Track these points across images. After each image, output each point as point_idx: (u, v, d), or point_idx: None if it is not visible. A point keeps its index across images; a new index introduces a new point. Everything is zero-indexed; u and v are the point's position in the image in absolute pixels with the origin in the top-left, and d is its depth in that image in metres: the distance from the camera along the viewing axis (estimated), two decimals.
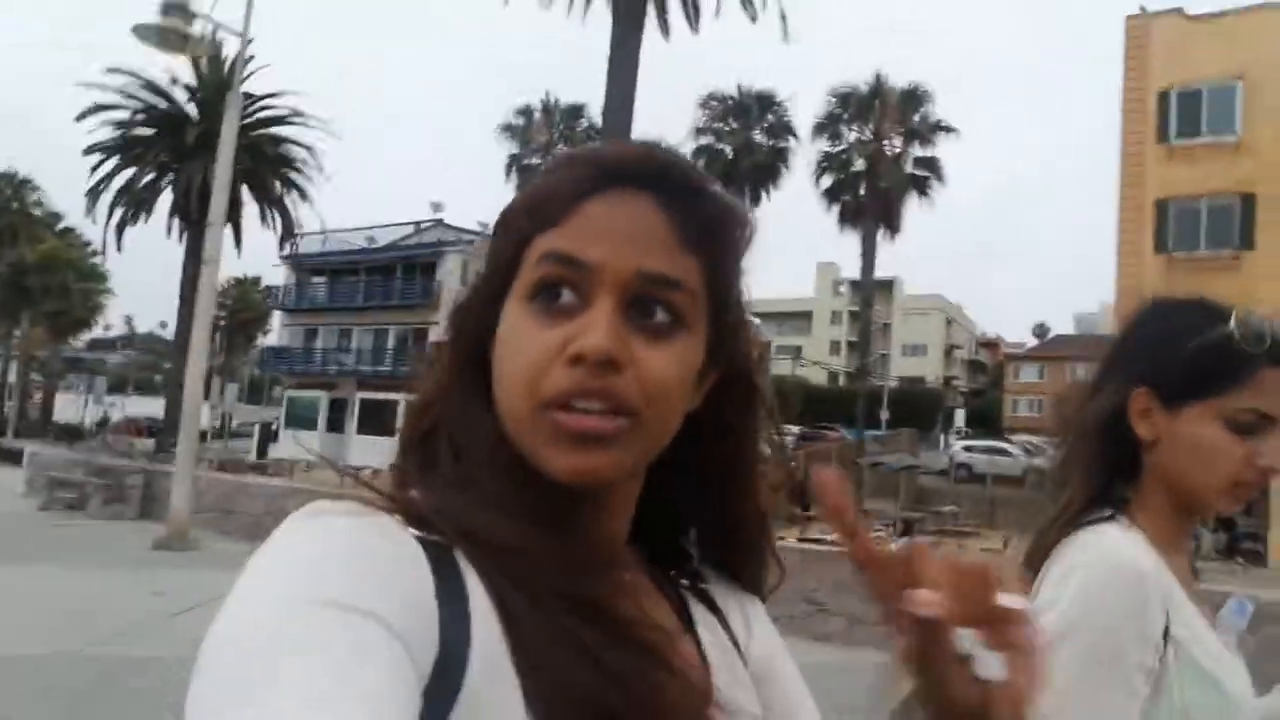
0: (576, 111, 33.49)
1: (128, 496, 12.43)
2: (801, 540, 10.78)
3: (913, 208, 29.76)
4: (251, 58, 23.52)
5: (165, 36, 9.33)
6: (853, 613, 7.49)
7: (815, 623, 7.62)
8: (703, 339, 0.61)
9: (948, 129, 29.63)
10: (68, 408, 38.01)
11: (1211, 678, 1.03)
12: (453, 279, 39.51)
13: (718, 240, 0.62)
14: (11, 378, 37.95)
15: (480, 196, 38.75)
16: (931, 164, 29.82)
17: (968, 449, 36.96)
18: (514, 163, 35.18)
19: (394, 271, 41.71)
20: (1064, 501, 1.13)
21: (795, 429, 32.02)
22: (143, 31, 9.35)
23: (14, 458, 16.76)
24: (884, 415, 46.85)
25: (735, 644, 0.69)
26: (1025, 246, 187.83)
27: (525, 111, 35.24)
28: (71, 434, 27.54)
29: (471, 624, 0.51)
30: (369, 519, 0.52)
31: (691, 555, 0.72)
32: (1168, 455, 1.11)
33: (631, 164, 0.60)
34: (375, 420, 27.16)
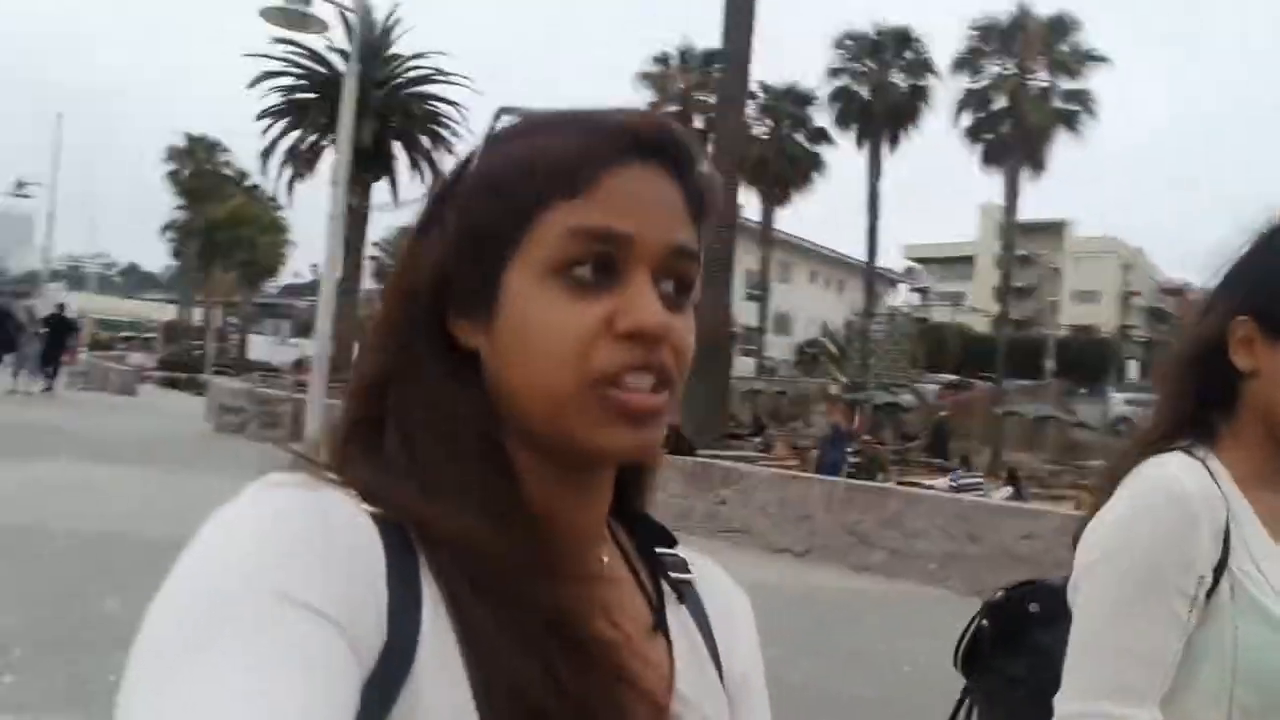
0: (712, 57, 33.39)
1: (280, 421, 14.24)
2: (951, 488, 11.05)
3: (1062, 144, 28.16)
4: (396, 22, 25.21)
5: (288, 17, 10.58)
6: (894, 547, 7.91)
7: (857, 553, 8.10)
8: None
9: (1098, 59, 27.71)
10: (261, 348, 42.28)
11: (1273, 618, 1.00)
12: None
13: (708, 214, 0.61)
14: (210, 322, 42.56)
15: None
16: (1081, 97, 27.99)
17: (1128, 401, 34.94)
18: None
19: None
20: (1146, 429, 1.11)
21: (946, 377, 31.43)
22: (269, 14, 10.61)
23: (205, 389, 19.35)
24: (1049, 364, 44.76)
25: (715, 651, 0.68)
26: (1220, 182, 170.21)
27: (662, 59, 35.51)
28: (242, 369, 30.81)
29: (422, 613, 0.50)
30: (324, 493, 0.51)
31: (667, 532, 0.69)
32: (1266, 388, 1.04)
33: (652, 135, 0.58)
34: None
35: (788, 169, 31.74)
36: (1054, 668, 1.06)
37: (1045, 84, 27.79)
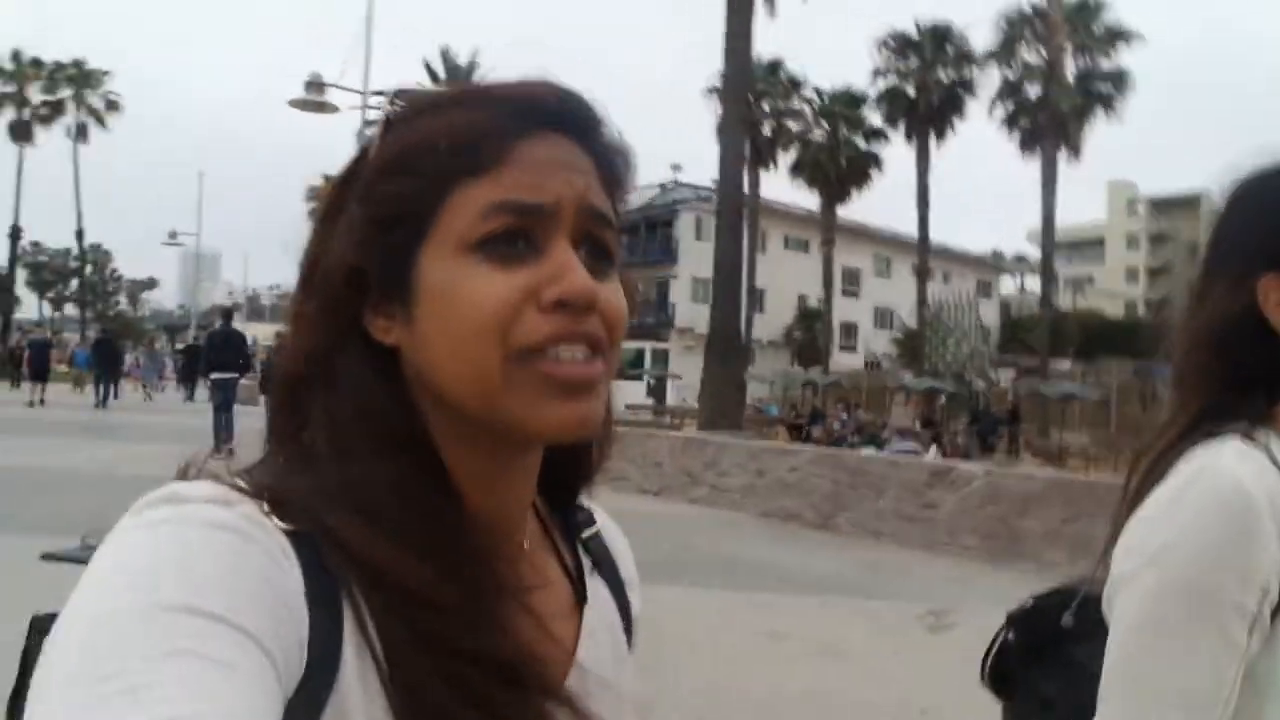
0: (774, 67, 35.34)
1: None
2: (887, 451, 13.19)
3: (1100, 125, 28.60)
4: (476, 65, 28.53)
5: (308, 104, 14.10)
6: (712, 483, 10.27)
7: (690, 490, 10.51)
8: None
9: (1128, 36, 27.83)
10: None
11: None
12: (689, 234, 43.42)
13: (621, 179, 0.61)
14: None
15: (696, 156, 41.15)
16: (1114, 77, 28.19)
17: None
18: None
19: (638, 231, 46.32)
20: (1171, 416, 0.94)
21: (1021, 360, 32.13)
22: (296, 103, 14.16)
23: None
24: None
25: (624, 601, 0.70)
26: None
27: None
28: None
29: (343, 634, 0.49)
30: (234, 509, 0.48)
31: (583, 503, 0.70)
32: None
33: (554, 105, 0.57)
34: None
35: (843, 169, 33.29)
36: (1091, 687, 0.90)
37: (1077, 68, 28.27)
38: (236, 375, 12.44)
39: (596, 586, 0.68)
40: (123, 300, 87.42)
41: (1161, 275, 64.85)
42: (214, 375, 12.44)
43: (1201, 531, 0.82)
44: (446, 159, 0.55)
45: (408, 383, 0.57)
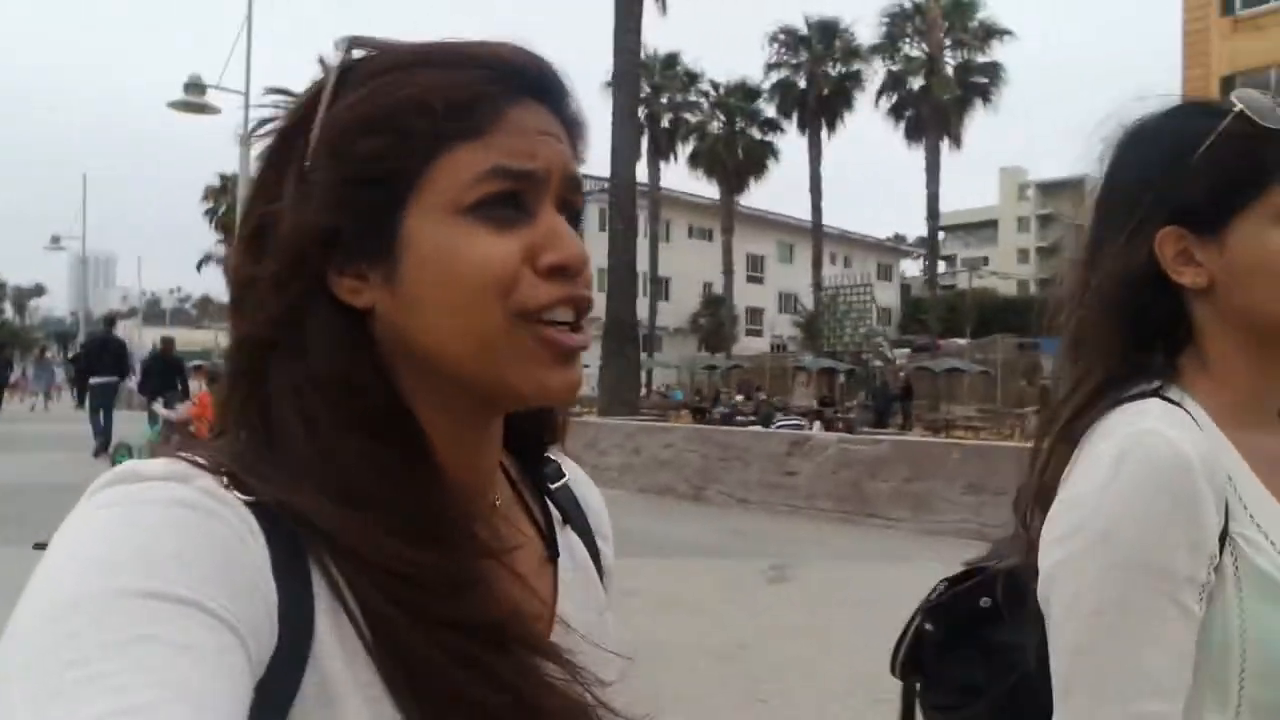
0: (672, 60, 36.00)
1: None
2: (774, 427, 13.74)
3: (978, 116, 30.19)
4: None
5: (189, 106, 14.05)
6: (593, 463, 10.74)
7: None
8: None
9: (1001, 33, 29.52)
10: None
11: None
12: (592, 225, 43.85)
13: (582, 146, 0.62)
14: None
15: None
16: (990, 70, 29.88)
17: None
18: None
19: None
20: (1076, 381, 0.89)
21: (915, 339, 33.68)
22: (176, 105, 14.09)
23: None
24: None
25: (595, 551, 0.71)
26: None
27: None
28: None
29: (315, 603, 0.48)
30: (192, 484, 0.47)
31: (551, 456, 0.70)
32: (1231, 291, 0.85)
33: (536, 72, 0.58)
34: None
35: (740, 159, 34.21)
36: (1017, 670, 0.90)
37: (955, 62, 29.78)
38: (115, 380, 12.95)
39: (569, 539, 0.68)
40: (8, 309, 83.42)
41: (1051, 254, 68.15)
42: (93, 380, 12.87)
43: (1145, 506, 0.78)
44: (440, 120, 0.54)
45: (379, 346, 0.56)
